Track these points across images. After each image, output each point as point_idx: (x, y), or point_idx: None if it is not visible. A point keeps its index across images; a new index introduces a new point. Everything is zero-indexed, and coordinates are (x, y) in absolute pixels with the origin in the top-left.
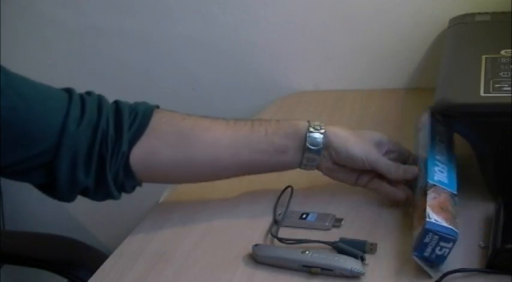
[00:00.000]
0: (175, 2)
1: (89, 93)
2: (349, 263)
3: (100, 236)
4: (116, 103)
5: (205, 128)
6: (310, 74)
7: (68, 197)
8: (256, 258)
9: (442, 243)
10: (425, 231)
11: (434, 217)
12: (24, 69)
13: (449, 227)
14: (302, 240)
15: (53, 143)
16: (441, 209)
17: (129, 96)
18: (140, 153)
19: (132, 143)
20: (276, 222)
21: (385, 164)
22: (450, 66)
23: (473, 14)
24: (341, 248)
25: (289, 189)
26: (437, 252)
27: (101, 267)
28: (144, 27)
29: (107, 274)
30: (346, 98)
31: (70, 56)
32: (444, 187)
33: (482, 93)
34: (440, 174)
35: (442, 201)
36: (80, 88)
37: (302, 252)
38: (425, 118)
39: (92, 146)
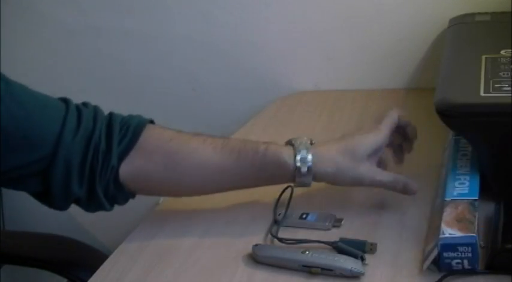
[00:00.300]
0: (175, 2)
1: (85, 104)
2: (349, 263)
3: (100, 236)
4: (110, 115)
5: (192, 151)
6: (310, 74)
7: (62, 206)
8: (256, 258)
9: (461, 249)
10: (441, 248)
11: (448, 231)
12: (24, 69)
13: (463, 235)
14: (302, 240)
15: (49, 151)
16: (457, 221)
17: (129, 96)
18: (129, 169)
19: (121, 158)
20: (276, 222)
21: (381, 183)
22: (450, 66)
23: (473, 14)
24: (341, 248)
25: (289, 189)
26: (464, 260)
27: (101, 267)
28: (144, 27)
29: (107, 274)
30: (346, 98)
31: (70, 56)
32: (463, 198)
33: (482, 93)
34: (460, 186)
35: (459, 212)
36: (80, 88)
37: (302, 252)
38: (450, 137)
39: (85, 158)
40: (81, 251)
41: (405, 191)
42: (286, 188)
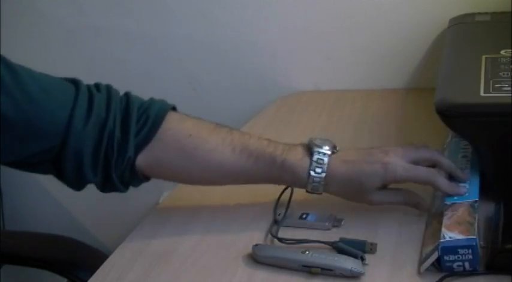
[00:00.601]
0: (176, 2)
1: (97, 86)
2: (349, 263)
3: (100, 236)
4: (127, 99)
5: (210, 149)
6: (310, 74)
7: (78, 188)
8: (256, 258)
9: (461, 252)
10: (442, 250)
11: (449, 235)
12: None
13: (463, 238)
14: (302, 240)
15: (58, 140)
16: (458, 224)
17: None
18: (145, 160)
19: (138, 149)
20: (276, 222)
21: (390, 204)
22: (450, 66)
23: (473, 14)
24: (341, 248)
25: (289, 189)
26: (465, 262)
27: (101, 267)
28: (144, 27)
29: (107, 274)
30: (346, 98)
31: (70, 55)
32: (463, 201)
33: (482, 93)
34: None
35: (459, 215)
36: None
37: (302, 252)
38: (449, 138)
39: (98, 146)
40: (81, 251)
41: (416, 207)
42: (286, 188)
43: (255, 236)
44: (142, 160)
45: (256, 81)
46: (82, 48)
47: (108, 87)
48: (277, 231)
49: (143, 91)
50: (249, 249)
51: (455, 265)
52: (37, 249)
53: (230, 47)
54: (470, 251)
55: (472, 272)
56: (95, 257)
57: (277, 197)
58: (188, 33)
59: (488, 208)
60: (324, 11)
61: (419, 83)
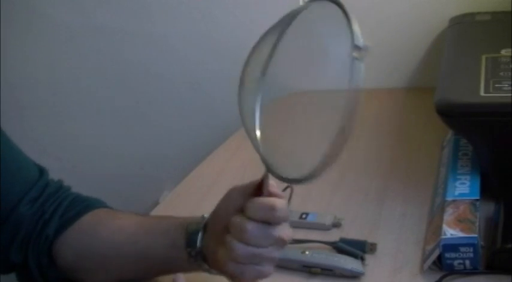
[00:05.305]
0: (176, 2)
1: (55, 182)
2: (349, 263)
3: None
4: (73, 196)
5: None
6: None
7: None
8: None
9: (463, 250)
10: (443, 248)
11: (450, 231)
12: (24, 69)
13: (465, 236)
14: (302, 240)
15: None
16: (459, 222)
17: (129, 95)
18: (62, 248)
19: (59, 231)
20: None
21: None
22: (450, 66)
23: (473, 14)
24: (341, 248)
25: (289, 189)
26: (466, 260)
27: None
28: (144, 27)
29: None
30: None
31: (70, 55)
32: (464, 198)
33: (482, 93)
34: (461, 186)
35: (460, 213)
36: (80, 87)
37: (302, 252)
38: (449, 136)
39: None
40: None
41: None
42: (286, 188)
43: None
44: (59, 247)
45: None
46: (82, 48)
47: (60, 185)
48: None
49: (143, 91)
50: None
51: (456, 263)
52: None
53: (230, 47)
54: (471, 249)
55: (472, 271)
56: None
57: None
58: (188, 33)
59: (488, 208)
60: None
61: (419, 83)
